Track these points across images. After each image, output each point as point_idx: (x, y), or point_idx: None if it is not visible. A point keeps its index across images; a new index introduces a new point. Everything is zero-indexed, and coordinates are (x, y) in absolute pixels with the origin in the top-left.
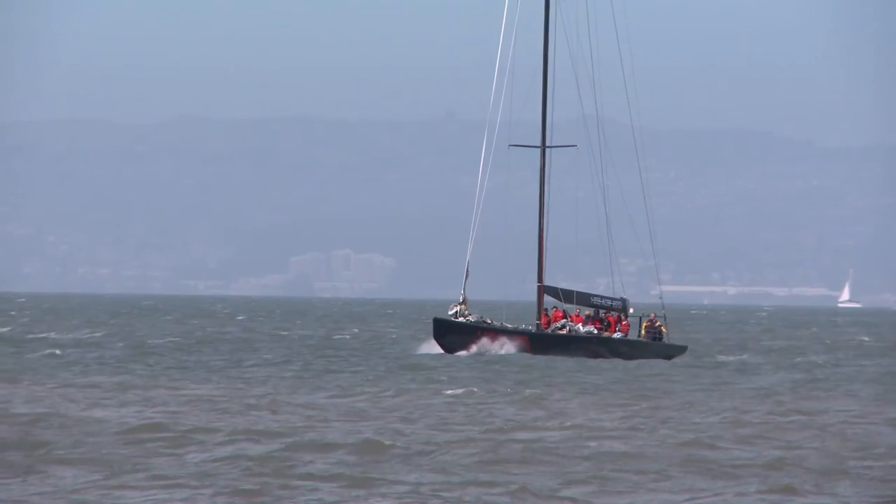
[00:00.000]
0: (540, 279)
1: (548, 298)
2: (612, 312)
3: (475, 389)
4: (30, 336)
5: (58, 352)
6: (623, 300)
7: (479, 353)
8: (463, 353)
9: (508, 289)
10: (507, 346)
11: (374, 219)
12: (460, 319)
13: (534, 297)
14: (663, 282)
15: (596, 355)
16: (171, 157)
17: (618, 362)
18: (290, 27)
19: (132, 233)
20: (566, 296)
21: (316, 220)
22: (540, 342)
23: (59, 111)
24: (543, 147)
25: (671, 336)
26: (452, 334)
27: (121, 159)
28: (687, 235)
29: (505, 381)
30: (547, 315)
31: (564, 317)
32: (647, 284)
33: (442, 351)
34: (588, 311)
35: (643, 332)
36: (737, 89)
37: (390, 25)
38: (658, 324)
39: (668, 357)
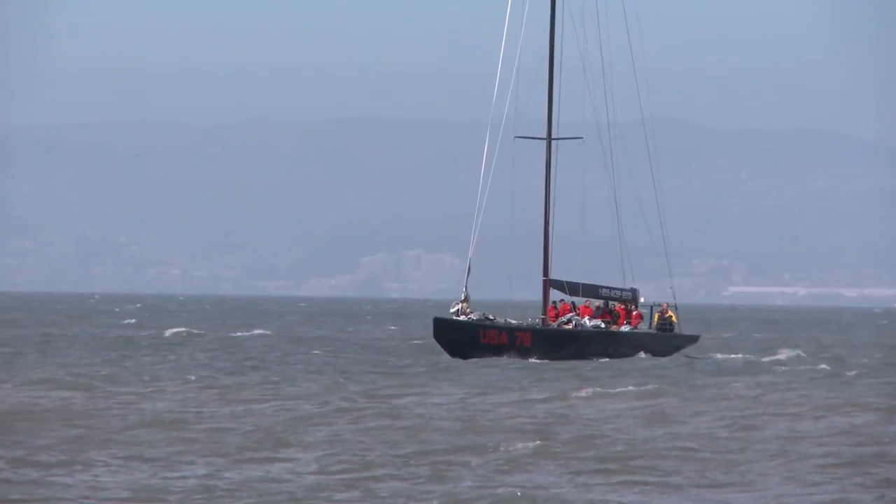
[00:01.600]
0: (545, 273)
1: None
2: (623, 304)
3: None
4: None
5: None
6: (633, 290)
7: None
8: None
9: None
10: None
11: (445, 219)
12: (462, 318)
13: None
14: (735, 282)
15: (597, 355)
16: (242, 158)
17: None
18: (358, 29)
19: (203, 233)
20: (572, 288)
21: (386, 221)
22: (542, 342)
23: (130, 112)
24: (549, 139)
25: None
26: (454, 334)
27: (191, 160)
28: (758, 236)
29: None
30: (556, 308)
31: (573, 309)
32: (719, 285)
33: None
34: (598, 303)
35: (655, 322)
36: (806, 88)
37: (457, 26)
38: (669, 314)
39: (678, 348)
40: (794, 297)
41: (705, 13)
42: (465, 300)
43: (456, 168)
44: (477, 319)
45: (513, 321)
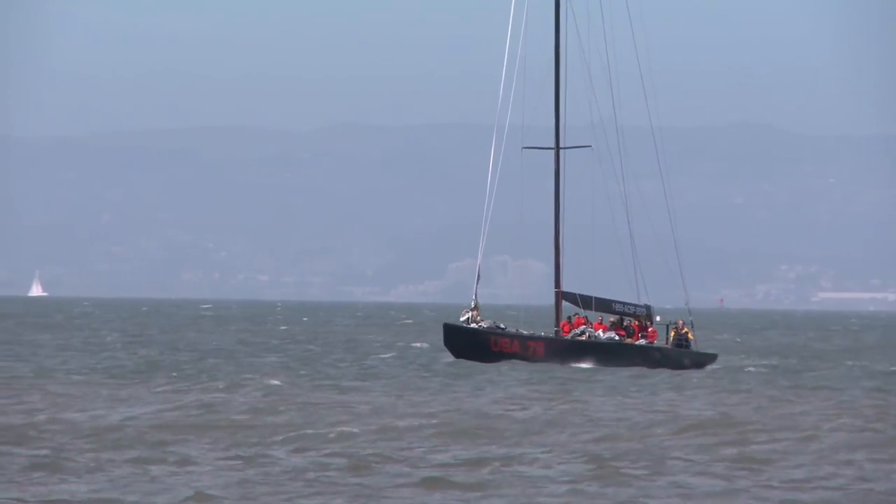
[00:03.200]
0: (557, 285)
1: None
2: (637, 320)
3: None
4: None
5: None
6: (647, 307)
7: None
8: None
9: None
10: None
11: (532, 224)
12: (472, 326)
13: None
14: (824, 288)
15: (610, 364)
16: (330, 164)
17: (644, 370)
18: (446, 33)
19: (291, 239)
20: (584, 302)
21: (474, 226)
22: (555, 349)
23: (218, 118)
24: (557, 148)
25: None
26: (464, 341)
27: (280, 166)
28: (847, 241)
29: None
30: (570, 322)
31: (586, 323)
32: (808, 291)
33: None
34: (613, 318)
35: (670, 339)
36: (890, 91)
37: (546, 28)
38: (685, 330)
39: (701, 365)
40: (885, 302)
41: (796, 14)
42: (475, 308)
43: (541, 173)
44: (488, 327)
45: (524, 331)
